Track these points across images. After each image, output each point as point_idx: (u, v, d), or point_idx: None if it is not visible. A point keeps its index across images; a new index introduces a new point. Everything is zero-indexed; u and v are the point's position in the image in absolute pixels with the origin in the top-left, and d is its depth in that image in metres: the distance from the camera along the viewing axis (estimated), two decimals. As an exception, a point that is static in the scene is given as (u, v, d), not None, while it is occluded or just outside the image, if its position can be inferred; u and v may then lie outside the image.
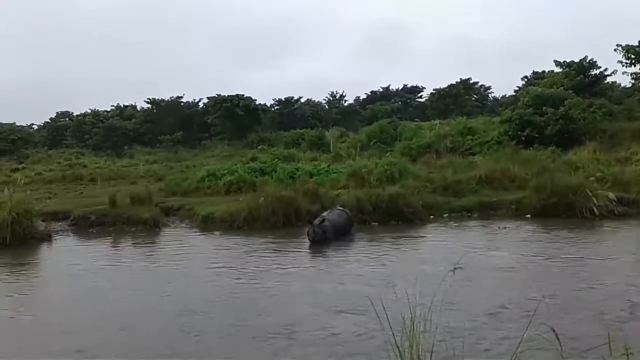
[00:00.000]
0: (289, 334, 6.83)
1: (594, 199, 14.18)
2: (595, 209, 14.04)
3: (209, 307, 8.17)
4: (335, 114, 62.19)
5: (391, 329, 4.19)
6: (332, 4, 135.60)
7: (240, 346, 6.59)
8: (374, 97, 65.56)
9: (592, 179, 15.25)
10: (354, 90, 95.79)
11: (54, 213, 17.45)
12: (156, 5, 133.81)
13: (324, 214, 13.46)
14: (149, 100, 57.90)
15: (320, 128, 44.82)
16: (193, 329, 7.20)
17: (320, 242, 12.40)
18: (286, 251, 12.32)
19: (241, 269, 10.54)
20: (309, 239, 12.59)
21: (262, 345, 6.54)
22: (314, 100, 64.48)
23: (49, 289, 10.37)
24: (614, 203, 14.27)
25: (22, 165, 37.65)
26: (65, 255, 12.93)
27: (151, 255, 12.84)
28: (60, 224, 16.74)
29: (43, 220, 15.96)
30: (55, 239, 15.01)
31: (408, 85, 67.63)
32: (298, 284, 9.28)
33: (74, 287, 10.04)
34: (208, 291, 9.16)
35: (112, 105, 61.29)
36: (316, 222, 12.74)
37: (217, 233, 14.73)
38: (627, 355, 3.17)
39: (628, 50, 23.66)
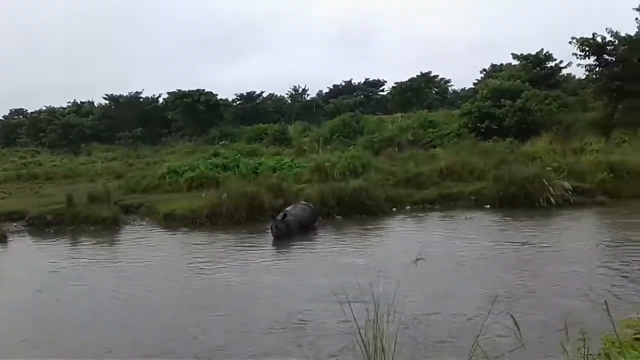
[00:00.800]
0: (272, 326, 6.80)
1: (550, 188, 14.56)
2: (552, 198, 14.43)
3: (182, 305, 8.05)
4: (298, 108, 62.02)
5: (355, 320, 4.20)
6: (297, 2, 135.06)
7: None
8: (337, 91, 65.62)
9: (548, 169, 15.64)
10: (317, 85, 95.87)
11: (9, 213, 16.89)
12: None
13: (288, 208, 13.43)
14: (107, 97, 56.56)
15: (283, 123, 44.71)
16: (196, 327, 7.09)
17: (284, 237, 12.37)
18: (251, 247, 12.23)
19: (204, 264, 10.44)
20: (272, 234, 12.55)
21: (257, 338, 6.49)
22: (277, 95, 64.21)
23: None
24: (569, 192, 14.69)
25: (-26, 165, 36.30)
26: (20, 257, 12.56)
27: (112, 254, 12.58)
28: (15, 224, 16.21)
29: (-3, 221, 15.46)
30: (11, 240, 14.54)
31: (370, 79, 67.94)
32: (264, 279, 9.23)
33: (27, 288, 9.75)
34: (178, 288, 9.03)
35: (69, 102, 59.65)
36: (279, 217, 12.72)
37: (184, 229, 14.50)
38: (584, 340, 3.26)
39: (583, 42, 24.25)
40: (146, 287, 9.23)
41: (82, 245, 13.80)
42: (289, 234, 12.51)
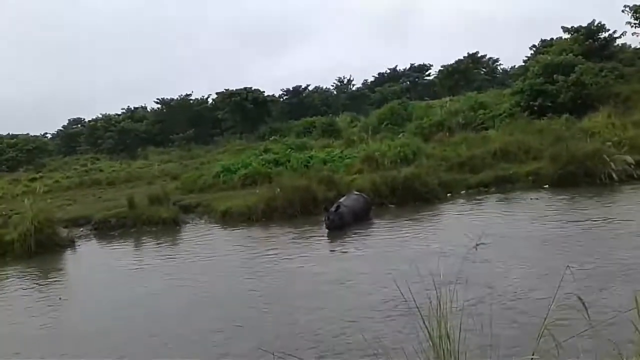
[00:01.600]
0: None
1: (611, 164, 14.04)
2: (613, 174, 13.91)
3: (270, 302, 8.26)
4: (344, 99, 61.98)
5: (417, 307, 4.21)
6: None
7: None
8: (382, 80, 65.15)
9: (608, 144, 15.07)
10: (362, 75, 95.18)
11: (75, 219, 17.69)
12: (161, 2, 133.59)
13: (341, 200, 13.51)
14: (158, 101, 58.21)
15: (331, 115, 44.76)
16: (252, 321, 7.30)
17: (338, 229, 12.46)
18: (313, 237, 12.36)
19: (276, 257, 10.66)
20: (325, 226, 12.65)
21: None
22: (322, 87, 64.33)
23: (76, 294, 10.57)
24: (632, 167, 14.12)
25: (40, 174, 38.08)
26: (89, 260, 13.16)
27: (177, 253, 12.97)
28: (82, 229, 16.97)
29: (65, 227, 16.22)
30: (79, 245, 15.24)
31: (415, 65, 67.09)
32: (330, 268, 9.35)
33: (100, 291, 10.21)
34: (256, 285, 9.26)
35: (123, 109, 61.70)
36: (332, 209, 12.79)
37: (242, 225, 14.81)
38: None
39: (636, 10, 23.19)
40: (228, 283, 9.48)
41: (146, 245, 14.34)
42: (342, 225, 12.57)
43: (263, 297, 8.33)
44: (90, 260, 13.38)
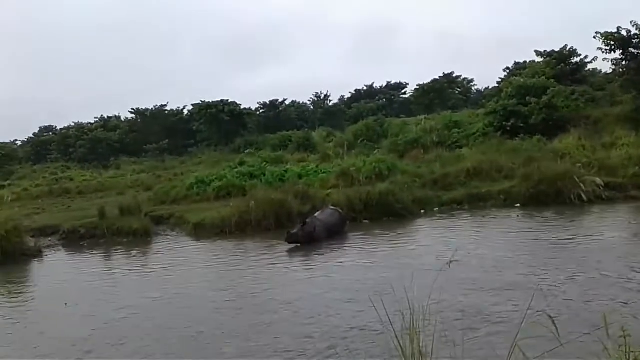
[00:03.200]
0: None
1: (581, 185, 14.33)
2: (583, 194, 14.19)
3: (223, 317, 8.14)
4: (320, 114, 62.19)
5: (390, 322, 4.20)
6: (316, 9, 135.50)
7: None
8: (359, 96, 65.62)
9: (578, 165, 15.40)
10: (339, 91, 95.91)
11: (43, 228, 17.32)
12: (141, 13, 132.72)
13: (316, 214, 13.52)
14: (133, 110, 57.65)
15: (307, 129, 44.85)
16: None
17: (309, 243, 12.47)
18: (283, 252, 12.29)
19: (239, 271, 10.54)
20: (291, 240, 12.61)
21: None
22: (299, 102, 64.50)
23: (40, 304, 10.27)
24: (601, 188, 14.43)
25: (8, 182, 37.23)
26: (56, 271, 12.85)
27: (147, 265, 12.75)
28: (50, 239, 16.60)
29: (32, 236, 15.84)
30: (46, 255, 14.88)
31: (392, 82, 67.81)
32: (294, 287, 9.28)
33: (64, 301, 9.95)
34: (213, 301, 9.13)
35: (96, 117, 60.86)
36: (298, 226, 12.79)
37: (214, 238, 14.66)
38: (625, 337, 3.20)
39: (607, 37, 23.82)
40: (192, 297, 9.36)
41: (116, 257, 14.07)
42: (312, 240, 12.57)
43: (224, 313, 8.24)
44: (57, 271, 13.01)
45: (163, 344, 7.04)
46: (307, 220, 13.03)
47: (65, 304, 9.48)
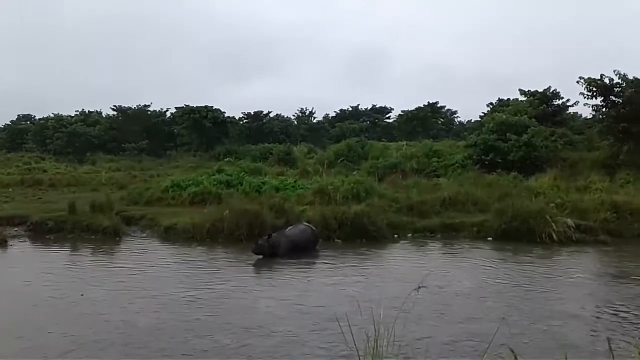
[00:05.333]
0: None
1: (553, 224, 14.53)
2: (554, 234, 14.39)
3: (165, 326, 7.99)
4: (304, 130, 62.27)
5: (355, 346, 4.16)
6: (310, 28, 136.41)
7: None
8: (343, 116, 65.94)
9: (552, 205, 15.60)
10: (324, 109, 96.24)
11: (11, 217, 16.94)
12: (136, 14, 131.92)
13: (288, 228, 13.50)
14: (115, 108, 56.94)
15: (289, 143, 44.82)
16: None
17: (269, 256, 12.49)
18: (249, 264, 12.19)
19: (195, 278, 10.41)
20: (257, 251, 12.63)
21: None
22: (283, 116, 64.50)
23: None
24: (572, 229, 14.64)
25: (-21, 167, 36.39)
26: (18, 261, 12.56)
27: (109, 265, 12.52)
28: (16, 229, 16.24)
29: (-2, 225, 15.49)
30: (11, 245, 14.53)
31: (377, 106, 68.31)
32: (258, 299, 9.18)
33: (23, 295, 9.70)
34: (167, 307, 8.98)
35: (77, 111, 59.95)
36: (264, 237, 12.82)
37: (183, 243, 14.48)
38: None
39: (590, 83, 24.40)
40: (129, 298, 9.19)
41: (81, 253, 13.81)
42: (273, 254, 12.57)
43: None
44: (19, 261, 12.70)
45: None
46: (274, 234, 13.03)
47: (82, 294, 9.35)
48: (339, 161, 30.35)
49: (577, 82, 24.91)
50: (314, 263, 12.37)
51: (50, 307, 8.79)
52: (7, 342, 7.13)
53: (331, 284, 10.25)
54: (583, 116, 34.61)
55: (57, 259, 12.86)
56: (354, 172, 24.25)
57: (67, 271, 11.64)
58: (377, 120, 65.97)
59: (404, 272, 11.08)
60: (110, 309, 8.61)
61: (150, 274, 11.28)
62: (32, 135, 56.20)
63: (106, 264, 12.48)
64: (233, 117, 54.69)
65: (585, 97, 25.07)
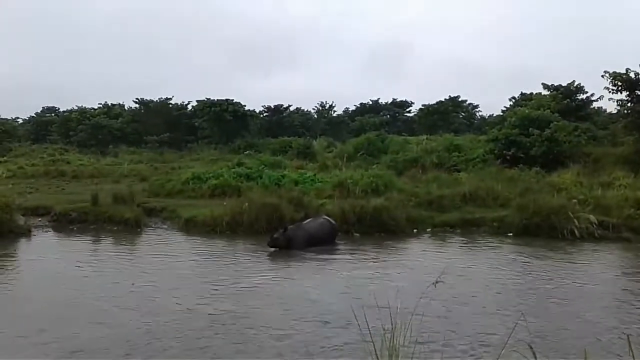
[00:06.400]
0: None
1: (575, 221, 14.32)
2: (576, 230, 14.19)
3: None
4: (323, 124, 62.35)
5: (372, 339, 4.18)
6: (332, 21, 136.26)
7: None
8: (363, 110, 65.86)
9: (574, 201, 15.38)
10: (344, 102, 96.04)
11: (35, 208, 17.27)
12: (159, 8, 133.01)
13: (305, 221, 13.56)
14: (137, 100, 57.66)
15: (308, 137, 44.90)
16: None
17: (289, 249, 12.59)
18: (266, 256, 12.26)
19: (215, 270, 10.50)
20: (272, 244, 12.74)
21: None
22: (303, 109, 64.65)
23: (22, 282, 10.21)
24: (594, 226, 14.42)
25: (5, 158, 37.14)
26: (41, 251, 12.79)
27: (132, 254, 12.69)
28: (40, 219, 16.54)
29: (23, 215, 15.80)
30: (35, 235, 14.82)
31: (397, 100, 68.03)
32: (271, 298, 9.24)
33: (48, 285, 9.89)
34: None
35: (100, 103, 60.93)
36: (280, 230, 12.91)
37: (203, 236, 14.62)
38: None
39: (615, 77, 23.94)
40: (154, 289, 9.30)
41: (104, 244, 14.03)
42: (291, 247, 12.66)
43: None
44: (42, 251, 12.92)
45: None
46: (290, 226, 13.12)
47: (133, 283, 9.54)
48: (358, 155, 30.25)
49: (602, 76, 24.49)
50: (332, 256, 12.37)
51: (119, 295, 8.95)
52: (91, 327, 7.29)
53: (347, 276, 10.25)
54: (607, 111, 34.08)
55: (96, 249, 13.09)
56: (374, 166, 24.16)
57: (111, 260, 11.86)
58: (397, 114, 65.77)
59: (422, 266, 11.05)
60: (172, 298, 8.72)
61: (192, 263, 11.49)
62: (56, 127, 57.20)
63: (150, 253, 12.59)
64: (253, 111, 55.06)
65: (610, 92, 24.63)
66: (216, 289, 9.28)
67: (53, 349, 6.52)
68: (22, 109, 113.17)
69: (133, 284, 9.55)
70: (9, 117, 59.64)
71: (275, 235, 12.84)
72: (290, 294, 9.00)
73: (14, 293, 9.34)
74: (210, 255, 12.33)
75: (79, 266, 11.18)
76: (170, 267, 11.15)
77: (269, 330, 7.14)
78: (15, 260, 12.15)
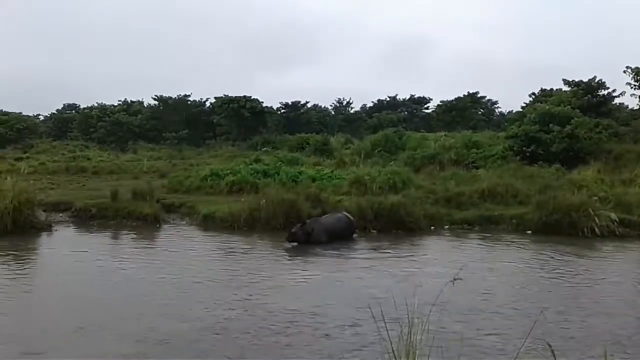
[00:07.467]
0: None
1: (596, 218, 14.14)
2: (596, 228, 14.00)
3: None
4: (341, 120, 62.28)
5: (389, 336, 4.17)
6: (350, 17, 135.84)
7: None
8: (381, 106, 65.55)
9: (595, 198, 15.18)
10: (361, 99, 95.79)
11: (56, 204, 17.52)
12: (177, 4, 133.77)
13: (323, 216, 13.60)
14: (156, 97, 58.11)
15: (326, 134, 44.89)
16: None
17: (307, 244, 12.69)
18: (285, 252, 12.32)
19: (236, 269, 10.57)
20: (291, 239, 12.83)
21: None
22: (321, 106, 64.60)
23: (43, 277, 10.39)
24: (615, 224, 14.22)
25: (27, 154, 37.70)
26: (62, 246, 12.99)
27: (153, 249, 12.83)
28: (61, 215, 16.80)
29: (44, 210, 16.04)
30: (56, 230, 15.05)
31: (415, 96, 67.62)
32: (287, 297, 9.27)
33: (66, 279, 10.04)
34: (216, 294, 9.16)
35: (120, 100, 61.45)
36: (299, 225, 12.99)
37: (222, 232, 14.74)
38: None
39: (637, 73, 23.60)
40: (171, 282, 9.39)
41: (123, 240, 14.19)
42: (309, 242, 12.75)
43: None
44: (63, 246, 13.12)
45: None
46: (308, 221, 13.20)
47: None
48: (376, 152, 30.15)
49: (624, 72, 24.15)
50: (349, 252, 12.38)
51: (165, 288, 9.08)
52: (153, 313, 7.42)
53: (366, 273, 10.24)
54: (629, 107, 33.44)
55: (98, 245, 13.26)
56: (391, 163, 24.08)
57: (144, 255, 12.03)
58: (415, 111, 65.38)
59: (439, 263, 11.00)
60: (232, 294, 8.84)
61: (223, 261, 11.63)
62: (77, 124, 57.93)
63: (175, 250, 12.72)
64: (271, 107, 55.16)
65: (632, 88, 24.30)
66: (266, 284, 9.37)
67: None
68: (44, 106, 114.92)
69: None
70: (30, 114, 60.64)
71: (293, 230, 12.92)
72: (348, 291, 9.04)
73: (64, 291, 9.42)
74: (244, 253, 12.38)
75: (121, 261, 11.32)
76: (210, 263, 11.29)
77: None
78: (56, 255, 12.41)
